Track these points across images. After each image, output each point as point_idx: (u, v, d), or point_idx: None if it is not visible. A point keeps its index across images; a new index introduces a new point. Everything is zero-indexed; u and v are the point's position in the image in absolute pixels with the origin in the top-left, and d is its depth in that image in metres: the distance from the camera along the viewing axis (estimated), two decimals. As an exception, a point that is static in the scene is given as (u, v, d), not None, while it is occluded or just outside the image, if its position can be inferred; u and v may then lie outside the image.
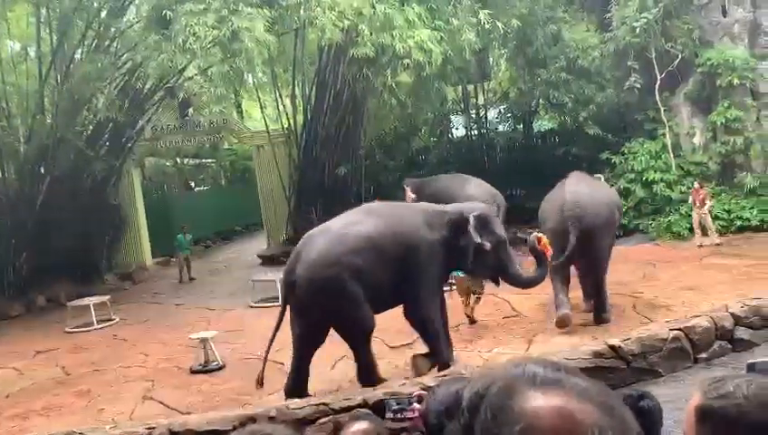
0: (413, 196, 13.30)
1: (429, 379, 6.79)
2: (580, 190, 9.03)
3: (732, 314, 8.12)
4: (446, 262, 7.17)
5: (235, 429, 5.94)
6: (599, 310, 8.83)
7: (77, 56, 14.60)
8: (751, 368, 1.79)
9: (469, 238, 6.98)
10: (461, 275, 8.65)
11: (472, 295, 9.30)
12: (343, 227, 6.87)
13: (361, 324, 6.85)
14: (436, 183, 13.96)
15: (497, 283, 7.83)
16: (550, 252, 7.58)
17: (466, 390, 0.84)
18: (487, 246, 7.04)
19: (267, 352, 7.07)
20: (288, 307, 7.02)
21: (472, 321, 9.41)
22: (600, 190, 9.79)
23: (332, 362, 8.30)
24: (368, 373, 6.93)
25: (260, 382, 7.13)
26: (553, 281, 8.53)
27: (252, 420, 6.23)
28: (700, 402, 1.31)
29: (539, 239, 7.47)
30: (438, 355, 7.18)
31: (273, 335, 7.09)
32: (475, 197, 11.78)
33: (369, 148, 17.98)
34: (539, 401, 0.79)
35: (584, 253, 8.53)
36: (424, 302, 7.02)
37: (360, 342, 6.94)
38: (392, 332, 9.37)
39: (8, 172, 15.20)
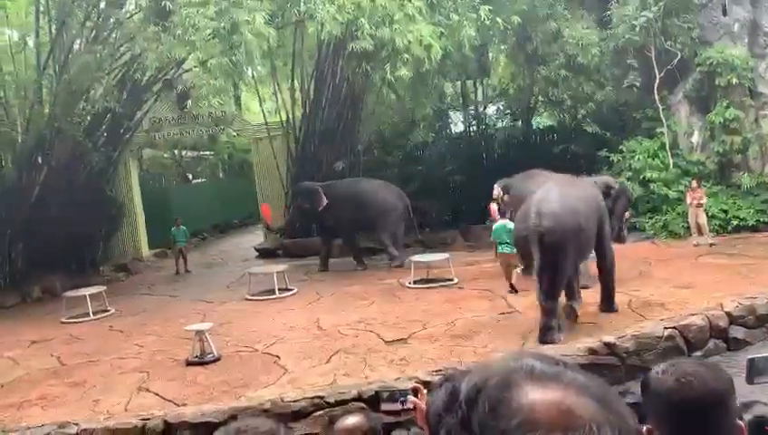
0: (326, 200, 13.65)
1: (423, 373, 6.82)
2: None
3: (727, 313, 8.17)
4: None
5: (223, 423, 5.96)
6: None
7: (76, 46, 14.54)
8: (751, 363, 1.83)
9: (615, 199, 9.39)
10: (506, 251, 10.61)
11: (514, 269, 10.54)
12: (562, 190, 8.62)
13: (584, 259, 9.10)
14: (348, 186, 14.65)
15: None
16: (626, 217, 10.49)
17: (464, 383, 0.84)
18: (625, 204, 9.91)
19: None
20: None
21: (515, 290, 10.45)
22: None
23: (327, 356, 8.32)
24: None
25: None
26: None
27: (238, 413, 6.25)
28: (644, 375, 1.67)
29: None
30: (613, 289, 9.16)
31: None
32: (388, 198, 14.14)
33: (368, 143, 17.96)
34: (537, 395, 0.78)
35: None
36: (610, 246, 9.15)
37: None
38: (388, 326, 9.41)
39: (5, 162, 15.15)
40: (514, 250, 10.30)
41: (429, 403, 0.93)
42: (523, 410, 0.77)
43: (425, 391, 2.23)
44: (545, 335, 7.94)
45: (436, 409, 0.87)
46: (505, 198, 12.11)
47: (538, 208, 8.25)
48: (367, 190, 14.33)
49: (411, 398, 2.27)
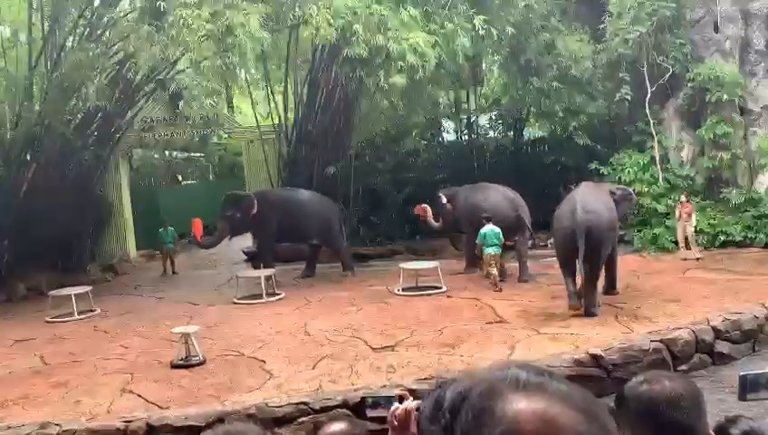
0: (257, 207, 13.75)
1: (410, 381, 6.80)
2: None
3: (713, 328, 8.21)
4: None
5: (207, 426, 5.92)
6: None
7: (68, 44, 14.46)
8: (743, 380, 1.83)
9: (617, 203, 10.61)
10: (493, 252, 11.62)
11: (495, 268, 11.61)
12: (596, 194, 10.29)
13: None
14: (282, 195, 14.87)
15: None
16: None
17: (449, 391, 0.83)
18: (627, 208, 11.68)
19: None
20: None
21: (498, 287, 11.52)
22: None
23: (314, 362, 8.28)
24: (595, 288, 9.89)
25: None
26: None
27: (221, 418, 6.20)
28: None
29: None
30: (615, 279, 10.86)
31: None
32: (327, 208, 14.38)
33: (359, 148, 17.95)
34: (521, 405, 0.78)
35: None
36: (616, 244, 10.69)
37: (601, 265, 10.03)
38: (375, 333, 9.39)
39: (-6, 158, 15.01)
40: (499, 251, 11.76)
41: (420, 412, 0.92)
42: (506, 419, 0.76)
43: (410, 398, 2.22)
44: (590, 309, 9.50)
45: (424, 417, 0.86)
46: (448, 205, 13.36)
47: (584, 207, 9.76)
48: (301, 200, 14.40)
49: (396, 404, 2.25)
